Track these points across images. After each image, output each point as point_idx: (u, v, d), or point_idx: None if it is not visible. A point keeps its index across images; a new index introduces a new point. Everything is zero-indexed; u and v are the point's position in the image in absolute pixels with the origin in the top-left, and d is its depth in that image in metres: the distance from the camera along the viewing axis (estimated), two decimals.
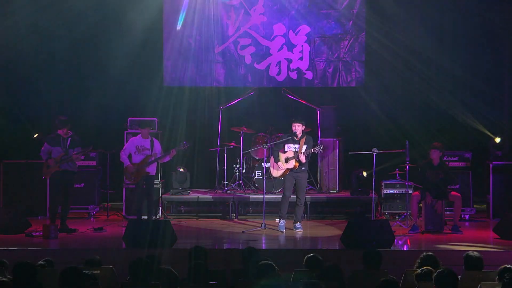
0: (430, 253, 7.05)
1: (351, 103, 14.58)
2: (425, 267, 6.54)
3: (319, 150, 11.34)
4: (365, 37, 14.31)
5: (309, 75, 14.48)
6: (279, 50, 14.49)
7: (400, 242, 10.43)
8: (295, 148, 11.23)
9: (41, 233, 10.67)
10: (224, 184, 13.38)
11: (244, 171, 13.42)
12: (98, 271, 6.85)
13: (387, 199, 12.46)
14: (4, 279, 6.40)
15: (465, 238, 10.81)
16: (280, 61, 14.51)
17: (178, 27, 14.46)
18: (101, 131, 14.10)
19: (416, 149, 12.46)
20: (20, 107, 14.04)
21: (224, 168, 13.41)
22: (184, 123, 14.51)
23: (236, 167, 13.42)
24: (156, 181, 12.31)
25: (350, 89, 14.51)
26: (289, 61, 14.49)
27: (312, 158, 12.05)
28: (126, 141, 12.78)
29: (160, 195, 12.85)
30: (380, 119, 14.48)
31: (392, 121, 14.38)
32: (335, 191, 13.38)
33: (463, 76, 14.31)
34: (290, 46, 14.46)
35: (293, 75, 14.50)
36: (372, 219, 11.56)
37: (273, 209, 12.30)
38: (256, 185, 13.14)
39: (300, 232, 11.20)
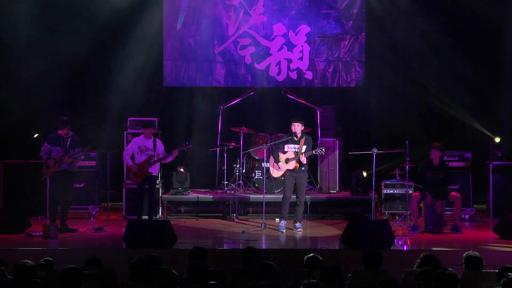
0: (430, 253, 7.05)
1: (351, 103, 14.59)
2: (425, 267, 6.54)
3: (320, 152, 11.33)
4: (365, 37, 14.32)
5: (309, 75, 14.49)
6: (279, 50, 14.50)
7: (400, 242, 10.43)
8: (295, 148, 11.23)
9: (41, 233, 10.66)
10: (224, 184, 13.38)
11: (244, 171, 13.42)
12: (98, 271, 6.85)
13: (387, 199, 12.46)
14: (4, 279, 6.41)
15: (465, 238, 10.82)
16: (280, 61, 14.52)
17: (178, 27, 14.48)
18: (101, 131, 14.10)
19: (416, 149, 12.45)
20: (20, 107, 14.04)
21: (224, 168, 13.41)
22: (184, 123, 14.53)
23: (236, 167, 13.42)
24: (156, 181, 12.30)
25: (350, 89, 14.52)
26: (289, 61, 14.50)
27: (312, 158, 12.05)
28: (126, 141, 12.80)
29: (160, 195, 12.85)
30: (380, 119, 14.49)
31: (392, 121, 14.40)
32: (335, 191, 13.38)
33: (463, 76, 14.32)
34: (290, 46, 14.47)
35: (293, 75, 14.51)
36: (372, 219, 11.56)
37: (273, 209, 12.31)
38: (256, 185, 13.14)
39: (300, 232, 11.20)
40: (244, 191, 13.18)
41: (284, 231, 11.22)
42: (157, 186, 12.36)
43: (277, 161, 11.30)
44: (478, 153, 13.14)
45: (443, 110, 14.10)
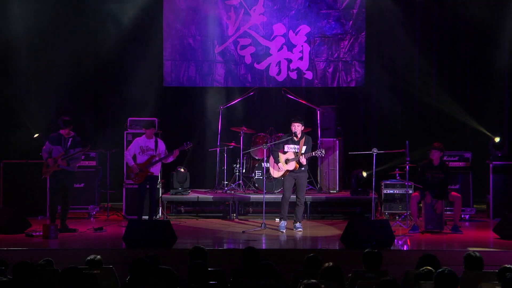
0: (430, 253, 7.05)
1: (351, 103, 14.59)
2: (425, 267, 6.54)
3: (320, 154, 11.32)
4: (365, 37, 14.32)
5: (309, 75, 14.49)
6: (279, 50, 14.51)
7: (400, 242, 10.42)
8: (295, 148, 11.22)
9: (41, 233, 10.66)
10: (224, 184, 13.38)
11: (244, 171, 13.42)
12: (98, 271, 6.85)
13: (387, 199, 12.46)
14: (4, 279, 6.41)
15: (465, 238, 10.82)
16: (280, 61, 14.53)
17: (178, 26, 14.48)
18: (101, 131, 14.10)
19: (416, 149, 12.45)
20: (20, 107, 14.04)
21: (224, 168, 13.40)
22: (184, 123, 14.53)
23: (236, 167, 13.42)
24: (157, 181, 12.28)
25: (350, 89, 14.52)
26: (289, 61, 14.51)
27: (312, 158, 12.04)
28: (126, 141, 12.79)
29: (160, 195, 12.85)
30: (380, 119, 14.50)
31: (392, 121, 14.40)
32: (335, 191, 13.38)
33: (463, 76, 14.32)
34: (290, 46, 14.48)
35: (293, 75, 14.52)
36: (372, 219, 11.56)
37: (273, 209, 12.31)
38: (256, 185, 13.14)
39: (300, 232, 11.20)
40: (244, 191, 13.18)
41: (284, 231, 11.22)
42: (157, 186, 12.35)
43: (277, 161, 11.30)
44: (478, 153, 13.14)
45: (443, 110, 14.10)
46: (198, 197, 13.01)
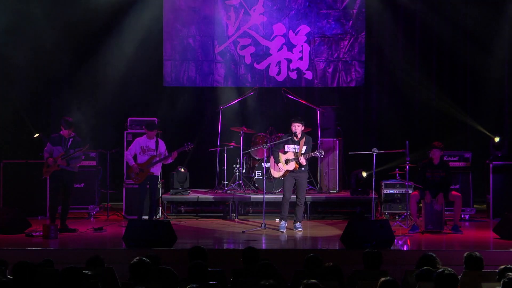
0: (430, 253, 7.05)
1: (351, 103, 14.59)
2: (425, 267, 6.54)
3: (319, 154, 11.34)
4: (365, 37, 14.32)
5: (308, 75, 14.49)
6: (279, 50, 14.51)
7: (400, 242, 10.42)
8: (295, 148, 11.22)
9: (41, 233, 10.66)
10: (224, 184, 13.38)
11: (244, 171, 13.42)
12: (98, 271, 6.85)
13: (387, 199, 12.46)
14: (4, 279, 6.41)
15: (465, 238, 10.82)
16: (280, 61, 14.53)
17: (178, 26, 14.48)
18: (101, 131, 14.10)
19: (416, 149, 12.45)
20: (20, 107, 14.04)
21: (224, 168, 13.40)
22: (184, 123, 14.53)
23: (236, 167, 13.42)
24: (158, 181, 12.28)
25: (350, 89, 14.53)
26: (289, 61, 14.51)
27: (312, 158, 12.04)
28: (126, 141, 12.79)
29: (160, 195, 12.85)
30: (380, 119, 14.50)
31: (392, 121, 14.40)
32: (335, 191, 13.38)
33: (463, 76, 14.32)
34: (290, 46, 14.48)
35: (293, 75, 14.52)
36: (372, 219, 11.56)
37: (273, 209, 12.30)
38: (256, 185, 13.14)
39: (300, 232, 11.20)
40: (244, 191, 13.18)
41: (284, 231, 11.22)
42: (157, 186, 12.35)
43: (277, 161, 11.30)
44: (478, 153, 13.14)
45: (443, 110, 14.10)
46: (198, 197, 13.01)
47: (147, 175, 11.57)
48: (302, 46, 14.48)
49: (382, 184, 12.52)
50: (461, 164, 12.84)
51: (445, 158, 11.95)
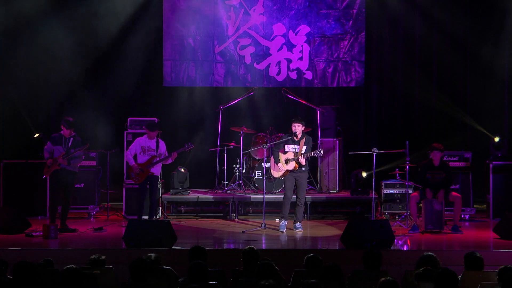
0: (430, 253, 7.05)
1: (351, 103, 14.59)
2: (425, 267, 6.54)
3: (318, 154, 11.34)
4: (365, 37, 14.32)
5: (308, 75, 14.49)
6: (278, 50, 14.51)
7: (400, 242, 10.42)
8: (295, 148, 11.22)
9: (41, 233, 10.66)
10: (224, 184, 13.38)
11: (244, 171, 13.42)
12: (98, 271, 6.85)
13: (387, 199, 12.46)
14: (4, 279, 6.41)
15: (465, 238, 10.82)
16: (280, 61, 14.53)
17: (178, 26, 14.49)
18: (101, 131, 14.10)
19: (416, 149, 12.45)
20: (20, 107, 14.04)
21: (224, 168, 13.41)
22: (184, 123, 14.53)
23: (236, 167, 13.42)
24: (158, 181, 12.28)
25: (350, 89, 14.53)
26: (289, 61, 14.51)
27: (312, 158, 12.05)
28: (126, 141, 12.80)
29: (160, 195, 12.85)
30: (380, 119, 14.50)
31: (392, 121, 14.40)
32: (335, 191, 13.38)
33: (463, 76, 14.32)
34: (290, 46, 14.48)
35: (293, 75, 14.52)
36: (372, 219, 11.56)
37: (273, 209, 12.31)
38: (256, 185, 13.14)
39: (300, 232, 11.20)
40: (244, 191, 13.18)
41: (284, 231, 11.22)
42: (157, 186, 12.35)
43: (277, 161, 11.30)
44: (478, 153, 13.14)
45: (443, 110, 14.10)
46: (198, 197, 13.01)
47: (147, 175, 11.57)
48: (302, 46, 14.48)
49: (382, 184, 12.52)
50: (461, 164, 12.84)
51: (445, 158, 11.94)
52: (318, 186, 13.36)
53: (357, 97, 14.62)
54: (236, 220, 12.61)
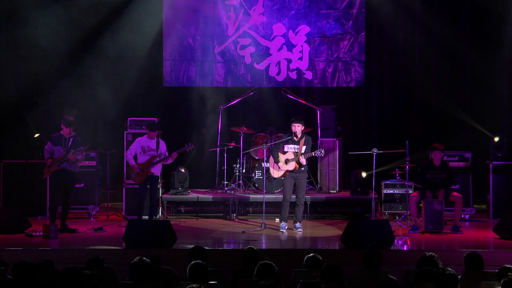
0: (430, 253, 7.06)
1: (351, 103, 14.59)
2: (425, 267, 6.54)
3: (319, 154, 11.34)
4: (365, 37, 14.32)
5: (308, 75, 14.49)
6: (278, 50, 14.51)
7: (400, 242, 10.43)
8: (294, 149, 11.22)
9: (41, 233, 10.66)
10: (224, 184, 13.37)
11: (244, 171, 13.42)
12: (98, 271, 6.85)
13: (387, 199, 12.46)
14: (4, 279, 6.41)
15: (465, 238, 10.82)
16: (279, 61, 14.53)
17: (178, 26, 14.49)
18: (101, 131, 14.10)
19: (416, 149, 12.45)
20: (20, 107, 14.05)
21: (224, 168, 13.40)
22: (184, 123, 14.53)
23: (236, 167, 13.42)
24: (158, 181, 12.28)
25: (350, 89, 14.52)
26: (289, 61, 14.51)
27: (312, 158, 12.04)
28: (126, 141, 12.80)
29: (160, 195, 12.84)
30: (380, 119, 14.50)
31: (392, 121, 14.40)
32: (335, 191, 13.38)
33: (463, 76, 14.32)
34: (290, 46, 14.48)
35: (293, 75, 14.52)
36: (372, 219, 11.56)
37: (273, 209, 12.31)
38: (256, 185, 13.14)
39: (300, 232, 11.20)
40: (244, 191, 13.18)
41: (284, 231, 11.22)
42: (158, 186, 12.35)
43: (276, 161, 11.30)
44: (478, 153, 13.14)
45: (443, 110, 14.10)
46: (198, 197, 13.01)
47: (147, 175, 11.57)
48: (302, 46, 14.48)
49: (382, 184, 12.52)
50: (461, 164, 12.84)
51: (445, 158, 11.94)
52: (318, 186, 13.36)
53: (357, 97, 14.61)
54: (236, 220, 12.61)
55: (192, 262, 6.48)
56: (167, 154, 11.66)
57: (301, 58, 14.49)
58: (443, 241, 10.63)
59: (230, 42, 14.53)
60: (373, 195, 11.71)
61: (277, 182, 12.78)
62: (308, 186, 12.69)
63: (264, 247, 10.16)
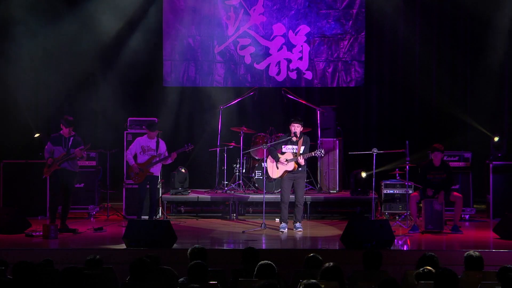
0: (430, 253, 7.06)
1: (351, 103, 14.60)
2: (425, 267, 6.54)
3: (320, 154, 11.33)
4: (364, 37, 14.32)
5: (308, 75, 14.49)
6: (278, 50, 14.51)
7: (400, 242, 10.42)
8: (293, 149, 11.21)
9: (41, 233, 10.66)
10: (224, 184, 13.37)
11: (244, 171, 13.42)
12: (98, 271, 6.85)
13: (387, 199, 12.46)
14: (4, 279, 6.41)
15: (465, 238, 10.82)
16: (279, 61, 14.53)
17: (178, 26, 14.49)
18: (101, 131, 14.09)
19: (416, 149, 12.45)
20: (20, 107, 14.04)
21: (224, 168, 13.40)
22: (184, 123, 14.53)
23: (236, 167, 13.42)
24: (158, 181, 12.28)
25: (350, 89, 14.53)
26: (289, 61, 14.51)
27: (312, 158, 12.04)
28: (126, 141, 12.79)
29: (160, 195, 12.84)
30: (380, 119, 14.50)
31: (392, 121, 14.40)
32: (335, 191, 13.38)
33: (463, 76, 14.32)
34: (290, 46, 14.48)
35: (293, 75, 14.52)
36: (372, 219, 11.56)
37: (273, 209, 12.30)
38: (256, 185, 13.14)
39: (300, 232, 11.20)
40: (244, 191, 13.18)
41: (284, 231, 11.21)
42: (157, 186, 12.35)
43: (277, 159, 11.27)
44: (478, 153, 13.14)
45: (443, 110, 14.10)
46: (198, 197, 13.00)
47: (147, 175, 11.57)
48: (302, 46, 14.48)
49: (382, 184, 12.52)
50: (461, 164, 12.84)
51: (445, 158, 11.94)
52: (318, 186, 13.36)
53: (357, 97, 14.62)
54: (236, 220, 12.61)
55: (192, 262, 6.48)
56: (166, 154, 11.66)
57: (301, 58, 14.50)
58: (443, 241, 10.63)
59: (230, 42, 14.53)
60: (373, 195, 11.71)
61: (277, 182, 12.75)
62: (308, 186, 12.69)
63: (264, 247, 10.16)
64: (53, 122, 13.91)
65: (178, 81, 14.64)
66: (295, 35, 14.46)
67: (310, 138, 11.57)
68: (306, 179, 11.85)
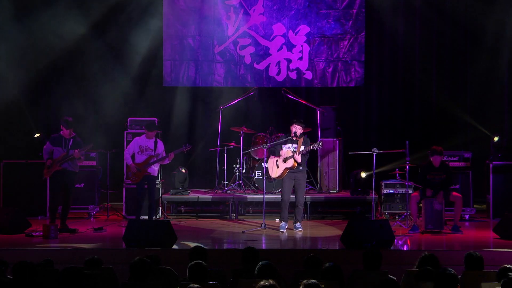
0: (430, 253, 7.05)
1: (351, 103, 14.59)
2: (425, 267, 6.53)
3: (318, 146, 11.35)
4: (364, 37, 14.32)
5: (308, 75, 14.49)
6: (278, 50, 14.50)
7: (400, 242, 10.43)
8: (293, 148, 11.22)
9: (41, 233, 10.66)
10: (224, 184, 13.37)
11: (244, 171, 13.42)
12: (98, 271, 6.85)
13: (387, 199, 12.45)
14: (4, 279, 6.41)
15: (465, 238, 10.81)
16: (279, 61, 14.53)
17: (178, 26, 14.49)
18: (101, 131, 14.09)
19: (416, 149, 12.44)
20: (20, 107, 14.04)
21: (224, 168, 13.40)
22: (184, 123, 14.52)
23: (236, 167, 13.42)
24: (156, 181, 12.29)
25: (350, 89, 14.52)
26: (289, 61, 14.50)
27: (312, 158, 12.04)
28: (126, 141, 12.80)
29: (160, 195, 12.84)
30: (380, 119, 14.49)
31: (392, 121, 14.40)
32: (335, 191, 13.38)
33: (463, 76, 14.32)
34: (290, 46, 14.48)
35: (293, 75, 14.52)
36: (372, 219, 11.56)
37: (273, 209, 12.30)
38: (256, 185, 13.14)
39: (300, 232, 11.20)
40: (244, 191, 13.18)
41: (284, 231, 11.22)
42: (157, 186, 12.37)
43: (278, 154, 11.26)
44: (478, 153, 13.14)
45: (443, 110, 14.10)
46: (198, 197, 13.01)
47: (144, 175, 11.56)
48: (301, 46, 14.48)
49: (382, 184, 12.52)
50: (461, 164, 12.84)
51: (445, 158, 11.94)
52: (318, 186, 13.36)
53: (357, 97, 14.61)
54: (236, 220, 12.61)
55: (192, 262, 6.48)
56: (164, 154, 11.66)
57: (301, 58, 14.49)
58: (443, 241, 10.63)
59: (230, 42, 14.53)
60: (373, 195, 11.71)
61: (277, 182, 12.75)
62: (308, 186, 12.69)
63: (264, 247, 10.16)
64: (53, 122, 13.88)
65: (178, 81, 14.64)
66: (295, 35, 14.46)
67: (310, 138, 11.57)
68: (306, 179, 11.83)
